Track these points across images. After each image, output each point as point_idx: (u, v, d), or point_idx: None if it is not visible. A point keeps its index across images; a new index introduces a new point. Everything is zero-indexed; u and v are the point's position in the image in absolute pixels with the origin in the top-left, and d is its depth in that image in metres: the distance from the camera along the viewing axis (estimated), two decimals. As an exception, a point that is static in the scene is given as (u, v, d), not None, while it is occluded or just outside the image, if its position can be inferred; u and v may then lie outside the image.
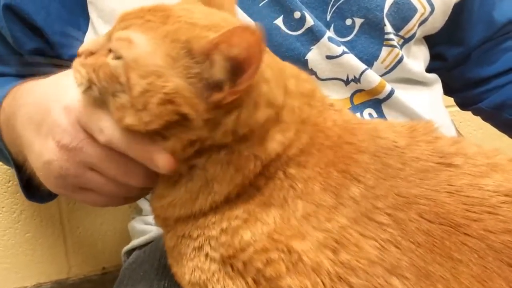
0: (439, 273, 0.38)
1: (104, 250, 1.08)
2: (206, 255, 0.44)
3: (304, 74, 0.47)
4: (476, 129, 1.31)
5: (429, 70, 0.79)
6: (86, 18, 0.66)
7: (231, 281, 0.43)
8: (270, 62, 0.43)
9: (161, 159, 0.43)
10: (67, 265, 1.06)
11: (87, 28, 0.67)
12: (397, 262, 0.39)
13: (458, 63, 0.86)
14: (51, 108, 0.47)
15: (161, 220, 0.48)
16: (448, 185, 0.42)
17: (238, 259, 0.42)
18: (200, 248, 0.44)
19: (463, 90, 0.89)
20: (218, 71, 0.39)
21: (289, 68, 0.46)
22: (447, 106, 0.81)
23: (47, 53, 0.68)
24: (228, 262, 0.43)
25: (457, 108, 0.96)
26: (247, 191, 0.43)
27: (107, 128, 0.43)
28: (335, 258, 0.40)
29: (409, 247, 0.39)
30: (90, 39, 0.46)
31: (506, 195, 0.42)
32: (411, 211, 0.41)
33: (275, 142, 0.42)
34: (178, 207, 0.45)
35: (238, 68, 0.38)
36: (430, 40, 0.80)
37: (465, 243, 0.39)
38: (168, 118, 0.40)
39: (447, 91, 0.85)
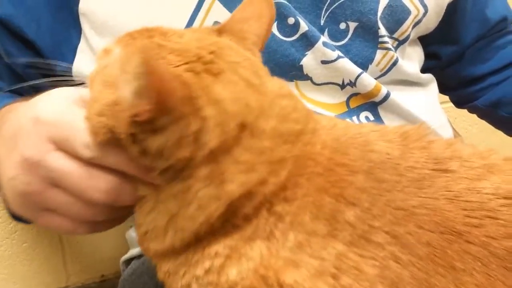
0: (442, 284, 0.38)
1: (102, 258, 1.08)
2: None
3: (296, 114, 0.44)
4: (471, 125, 1.31)
5: (423, 69, 0.80)
6: (78, 30, 0.66)
7: None
8: (228, 99, 0.40)
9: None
10: (65, 274, 1.05)
11: (79, 40, 0.66)
12: (398, 277, 0.38)
13: (452, 62, 0.86)
14: (20, 122, 0.44)
15: (144, 251, 0.46)
16: (447, 191, 0.41)
17: None
18: (188, 286, 0.42)
19: (458, 89, 0.89)
20: (133, 86, 0.37)
21: (279, 107, 0.43)
22: (441, 103, 0.81)
23: (40, 67, 0.67)
24: None
25: (451, 104, 0.96)
26: (222, 228, 0.41)
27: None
28: (336, 283, 0.38)
29: (409, 261, 0.39)
30: None
31: (505, 198, 0.41)
32: (410, 224, 0.40)
33: (235, 184, 0.40)
34: (153, 241, 0.43)
35: (145, 87, 0.36)
36: (423, 40, 0.80)
37: (467, 251, 0.39)
38: (103, 131, 0.39)
39: (442, 89, 0.85)
